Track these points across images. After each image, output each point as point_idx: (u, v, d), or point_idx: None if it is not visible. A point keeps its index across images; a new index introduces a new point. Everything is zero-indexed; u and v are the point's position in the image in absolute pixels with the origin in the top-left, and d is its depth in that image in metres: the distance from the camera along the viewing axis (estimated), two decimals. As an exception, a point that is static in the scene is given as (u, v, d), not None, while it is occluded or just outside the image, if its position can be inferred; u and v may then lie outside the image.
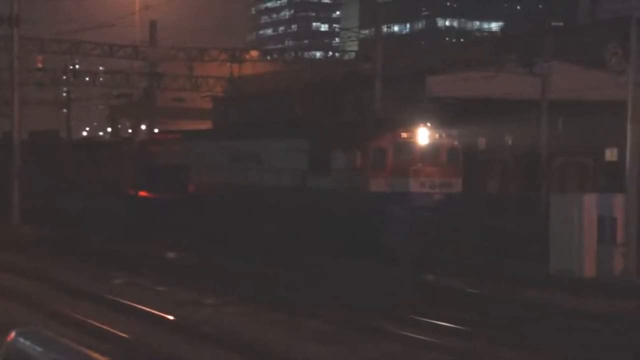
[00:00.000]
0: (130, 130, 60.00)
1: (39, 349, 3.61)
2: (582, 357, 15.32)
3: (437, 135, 26.59)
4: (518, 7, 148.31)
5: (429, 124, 26.91)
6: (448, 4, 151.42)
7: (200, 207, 31.97)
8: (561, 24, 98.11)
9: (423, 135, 26.29)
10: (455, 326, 16.57)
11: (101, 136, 67.52)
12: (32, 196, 37.74)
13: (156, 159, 35.33)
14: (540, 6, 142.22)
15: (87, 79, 56.44)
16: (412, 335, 15.89)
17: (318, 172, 27.31)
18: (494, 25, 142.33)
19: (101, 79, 55.75)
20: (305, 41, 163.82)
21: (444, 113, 33.94)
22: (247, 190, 29.86)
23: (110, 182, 37.41)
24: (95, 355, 3.77)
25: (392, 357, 15.06)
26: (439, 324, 16.93)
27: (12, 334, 3.96)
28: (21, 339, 3.77)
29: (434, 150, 26.48)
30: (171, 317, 17.38)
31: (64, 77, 56.35)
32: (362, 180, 26.00)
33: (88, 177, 38.93)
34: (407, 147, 26.18)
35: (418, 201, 25.56)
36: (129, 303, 19.03)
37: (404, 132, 26.27)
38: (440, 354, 14.81)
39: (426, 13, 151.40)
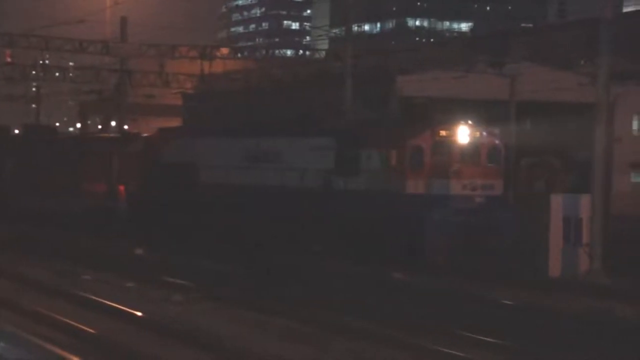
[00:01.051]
0: (99, 127, 60.00)
1: (2, 344, 3.77)
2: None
3: (477, 134, 25.69)
4: (488, 8, 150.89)
5: (469, 122, 26.07)
6: (418, 3, 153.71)
7: (208, 209, 30.82)
8: (531, 25, 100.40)
9: (463, 134, 25.29)
10: (416, 322, 17.08)
11: (97, 131, 66.78)
12: (30, 194, 39.15)
13: (162, 156, 34.19)
14: (510, 7, 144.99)
15: (57, 74, 56.75)
16: (379, 332, 16.30)
17: (345, 173, 26.21)
18: (464, 26, 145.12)
19: (71, 74, 56.01)
20: (276, 39, 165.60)
21: (413, 112, 34.28)
22: (263, 191, 28.82)
23: (112, 179, 36.58)
24: (57, 350, 3.75)
25: (350, 352, 15.42)
26: (403, 322, 17.30)
27: None
28: None
29: (474, 149, 25.46)
30: (139, 314, 17.76)
31: (34, 72, 56.44)
32: (398, 181, 24.98)
33: (86, 175, 37.93)
34: (446, 146, 25.25)
35: (459, 204, 24.76)
36: (97, 299, 19.38)
37: (442, 129, 25.38)
38: (401, 351, 15.16)
39: (396, 12, 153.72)
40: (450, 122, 25.67)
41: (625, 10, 46.58)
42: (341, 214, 25.91)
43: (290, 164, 27.86)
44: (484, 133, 25.91)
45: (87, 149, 39.41)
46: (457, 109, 33.49)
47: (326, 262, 25.73)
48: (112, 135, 42.18)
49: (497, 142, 26.39)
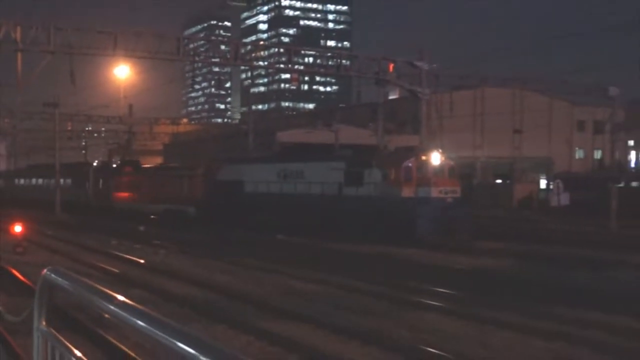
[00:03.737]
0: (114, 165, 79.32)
1: (64, 280, 3.69)
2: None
3: (443, 158, 32.49)
4: (322, 96, 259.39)
5: (440, 150, 33.63)
6: (287, 94, 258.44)
7: (250, 209, 38.30)
8: (344, 105, 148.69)
9: (436, 158, 32.26)
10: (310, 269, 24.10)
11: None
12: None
13: (218, 176, 42.97)
14: (334, 94, 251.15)
15: (95, 135, 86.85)
16: (270, 268, 23.67)
17: (352, 184, 32.85)
18: (311, 105, 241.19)
19: (102, 135, 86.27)
20: (212, 113, 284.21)
21: (283, 150, 48.40)
22: (296, 196, 35.74)
23: (184, 192, 47.05)
24: (102, 287, 3.31)
25: (254, 277, 21.92)
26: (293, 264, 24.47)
27: (45, 270, 4.15)
28: (51, 274, 3.91)
29: (442, 168, 32.22)
30: (142, 261, 26.06)
31: (83, 134, 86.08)
32: (395, 189, 31.20)
33: (166, 190, 48.93)
34: (425, 165, 31.82)
35: (437, 203, 30.69)
36: (119, 254, 28.31)
37: (423, 155, 32.56)
38: (284, 277, 21.81)
39: (275, 99, 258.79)
40: (426, 151, 33.68)
41: (390, 97, 65.93)
42: (349, 211, 32.39)
43: (314, 179, 35.02)
44: (446, 158, 32.89)
45: (165, 173, 53.39)
46: (309, 148, 47.63)
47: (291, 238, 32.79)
48: (181, 165, 56.32)
49: (452, 163, 33.36)
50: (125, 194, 53.97)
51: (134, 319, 2.73)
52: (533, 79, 60.57)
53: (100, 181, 58.21)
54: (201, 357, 2.21)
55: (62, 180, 60.23)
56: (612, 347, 13.06)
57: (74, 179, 61.75)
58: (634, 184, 50.92)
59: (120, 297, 2.97)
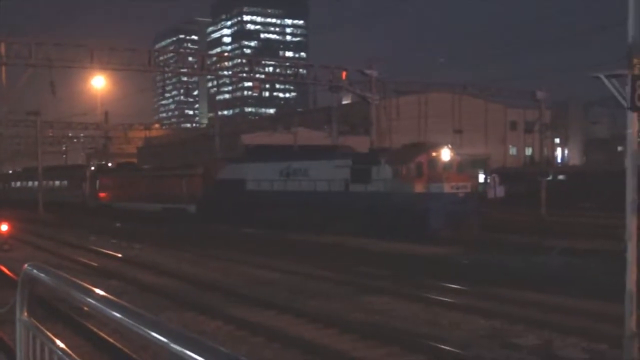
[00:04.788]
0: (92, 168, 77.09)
1: (43, 275, 3.44)
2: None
3: (452, 153, 29.98)
4: (282, 102, 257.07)
5: (450, 146, 30.82)
6: (250, 100, 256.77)
7: (251, 207, 35.82)
8: (301, 109, 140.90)
9: (446, 154, 29.68)
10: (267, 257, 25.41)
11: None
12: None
13: (218, 175, 40.14)
14: (292, 100, 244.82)
15: (74, 140, 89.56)
16: (239, 259, 23.90)
17: (360, 181, 30.46)
18: (272, 110, 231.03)
19: (81, 140, 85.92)
20: (182, 119, 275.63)
21: (248, 151, 47.77)
22: (300, 194, 33.36)
23: (183, 192, 44.24)
24: (78, 280, 3.06)
25: (223, 268, 22.35)
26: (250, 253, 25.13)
27: (25, 265, 3.89)
28: (32, 269, 3.67)
29: (451, 163, 29.65)
30: (119, 255, 25.98)
31: (63, 140, 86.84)
32: (407, 185, 28.68)
33: (165, 189, 46.20)
34: (435, 161, 29.29)
35: (450, 198, 28.21)
36: (98, 249, 28.25)
37: (433, 151, 29.71)
38: (251, 267, 22.08)
39: (239, 105, 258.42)
40: (436, 147, 30.37)
41: (343, 102, 66.34)
42: (357, 208, 29.95)
43: (319, 177, 32.71)
44: (455, 153, 30.31)
45: (164, 173, 49.65)
46: (272, 149, 47.33)
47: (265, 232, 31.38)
48: (180, 165, 52.13)
49: (460, 158, 30.86)
50: (122, 195, 51.27)
51: (109, 310, 2.64)
52: (471, 84, 61.01)
53: (97, 182, 55.65)
54: (171, 345, 2.15)
55: (58, 182, 59.02)
56: (544, 322, 13.20)
57: (70, 181, 59.26)
58: (560, 177, 51.71)
59: (97, 290, 2.88)
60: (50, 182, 61.15)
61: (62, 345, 3.28)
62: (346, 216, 30.43)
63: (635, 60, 8.95)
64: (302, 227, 30.90)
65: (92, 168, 64.23)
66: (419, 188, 28.38)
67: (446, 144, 31.32)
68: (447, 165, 29.32)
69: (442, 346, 11.18)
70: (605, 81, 9.08)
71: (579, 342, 11.84)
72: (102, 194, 53.91)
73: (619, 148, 73.20)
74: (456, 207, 27.84)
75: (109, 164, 64.67)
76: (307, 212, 32.22)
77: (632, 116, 9.30)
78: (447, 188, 28.20)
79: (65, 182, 59.62)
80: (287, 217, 32.96)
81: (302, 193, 33.33)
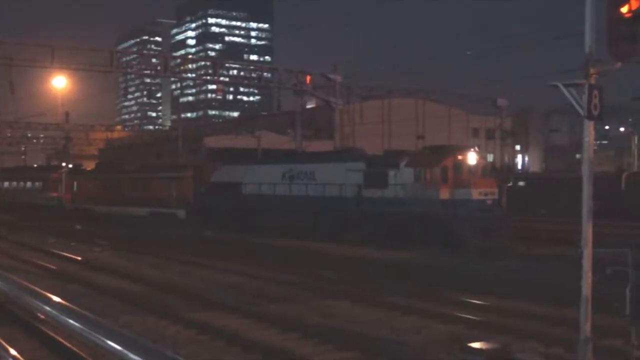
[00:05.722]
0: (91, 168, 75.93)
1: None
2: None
3: (478, 156, 27.57)
4: (246, 105, 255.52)
5: (476, 148, 28.42)
6: (213, 103, 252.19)
7: (249, 212, 33.26)
8: (266, 113, 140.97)
9: (472, 157, 27.20)
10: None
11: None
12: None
13: (211, 178, 37.11)
14: (257, 104, 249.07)
15: (34, 141, 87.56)
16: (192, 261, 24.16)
17: (374, 186, 27.91)
18: (235, 113, 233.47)
19: (41, 141, 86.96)
20: (144, 120, 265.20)
21: (211, 154, 47.55)
22: (306, 198, 30.61)
23: (172, 194, 40.42)
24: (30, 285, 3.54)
25: (184, 271, 22.27)
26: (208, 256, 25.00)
27: None
28: None
29: (477, 167, 27.18)
30: (79, 258, 25.73)
31: (22, 140, 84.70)
32: (431, 190, 26.14)
33: (153, 192, 42.21)
34: (461, 165, 26.70)
35: (478, 205, 25.92)
36: (57, 251, 27.76)
37: (460, 154, 27.17)
38: (213, 270, 22.06)
39: (202, 107, 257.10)
40: (462, 149, 28.01)
41: (307, 106, 66.42)
42: (371, 214, 27.57)
43: (328, 180, 29.99)
44: (480, 157, 28.02)
45: (149, 175, 44.87)
46: (235, 152, 46.90)
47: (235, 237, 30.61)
48: (168, 166, 48.09)
49: (486, 161, 29.26)
50: (103, 197, 47.46)
51: (64, 317, 2.61)
52: (434, 91, 61.53)
53: (75, 184, 51.80)
54: (130, 355, 2.14)
55: (30, 184, 56.33)
56: (503, 327, 13.34)
57: (45, 182, 55.13)
58: (520, 183, 52.30)
59: (51, 296, 2.85)
60: (22, 184, 58.60)
61: (14, 352, 3.22)
62: (359, 224, 28.25)
63: (592, 70, 9.11)
64: (310, 236, 28.61)
65: (70, 167, 60.34)
66: (444, 194, 26.03)
67: (472, 147, 28.86)
68: (472, 170, 27.02)
69: (402, 350, 11.20)
70: (564, 90, 9.22)
71: (537, 346, 11.99)
72: (80, 197, 50.74)
73: (577, 156, 74.29)
74: (485, 214, 25.78)
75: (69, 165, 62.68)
76: (314, 218, 29.88)
77: (589, 125, 9.46)
78: (475, 194, 25.99)
79: (38, 184, 56.24)
80: (291, 224, 30.56)
81: (308, 198, 30.68)
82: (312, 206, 30.09)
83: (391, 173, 27.39)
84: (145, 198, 42.43)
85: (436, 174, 26.37)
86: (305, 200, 30.63)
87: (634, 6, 8.81)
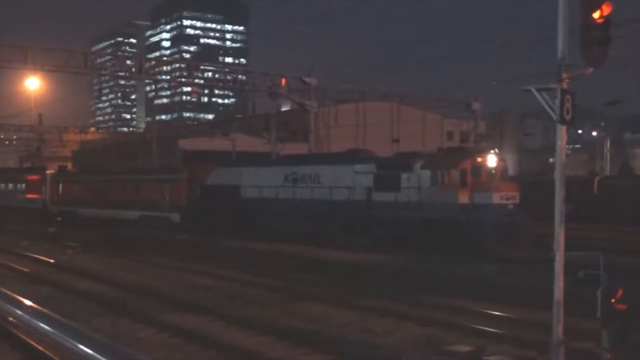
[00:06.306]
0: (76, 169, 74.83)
1: None
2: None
3: (497, 158, 26.34)
4: (221, 108, 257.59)
5: (496, 150, 27.11)
6: (188, 105, 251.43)
7: (248, 215, 31.92)
8: (240, 115, 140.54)
9: (492, 159, 25.97)
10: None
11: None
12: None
13: (207, 180, 35.60)
14: (232, 106, 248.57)
15: (6, 142, 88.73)
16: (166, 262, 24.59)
17: (386, 189, 26.59)
18: (210, 116, 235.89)
19: (14, 142, 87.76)
20: (119, 122, 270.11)
21: (186, 156, 46.65)
22: (311, 202, 29.32)
23: (165, 197, 38.72)
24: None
25: (158, 274, 22.33)
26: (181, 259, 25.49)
27: None
28: None
29: (495, 170, 25.87)
30: (51, 260, 25.82)
31: None
32: (450, 194, 24.79)
33: (144, 194, 40.41)
34: (480, 168, 25.46)
35: (499, 210, 24.61)
36: (29, 254, 27.58)
37: (479, 156, 26.04)
38: (186, 273, 22.21)
39: (177, 109, 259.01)
40: (482, 151, 26.89)
41: (282, 109, 66.22)
42: (382, 219, 26.31)
43: (334, 183, 28.69)
44: (500, 159, 26.81)
45: (140, 177, 42.78)
46: (209, 155, 46.39)
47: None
48: (162, 167, 46.70)
49: (505, 164, 27.31)
50: (90, 200, 45.15)
51: (35, 320, 2.58)
52: (409, 94, 61.79)
53: (60, 186, 49.58)
54: (101, 359, 2.12)
55: (12, 186, 54.77)
56: (478, 330, 13.42)
57: (27, 185, 52.95)
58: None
59: (23, 299, 2.82)
60: (3, 186, 56.93)
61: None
62: (369, 229, 27.04)
63: (564, 75, 9.21)
64: (316, 241, 27.61)
65: (56, 168, 57.36)
66: (463, 198, 24.68)
67: (491, 149, 27.44)
68: (491, 173, 25.72)
69: (377, 353, 11.24)
70: (536, 94, 9.30)
71: (511, 349, 12.08)
72: (66, 199, 48.52)
73: (551, 159, 74.94)
74: (507, 219, 24.42)
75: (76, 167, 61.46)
76: (320, 223, 28.68)
77: (561, 129, 9.55)
78: (496, 198, 24.51)
79: (21, 186, 54.27)
80: (294, 229, 29.49)
81: (314, 202, 29.35)
82: (317, 210, 28.88)
83: (404, 176, 26.05)
84: (136, 201, 40.75)
85: (455, 177, 25.00)
86: (310, 204, 29.35)
87: (606, 12, 8.92)
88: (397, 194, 25.97)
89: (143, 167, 49.18)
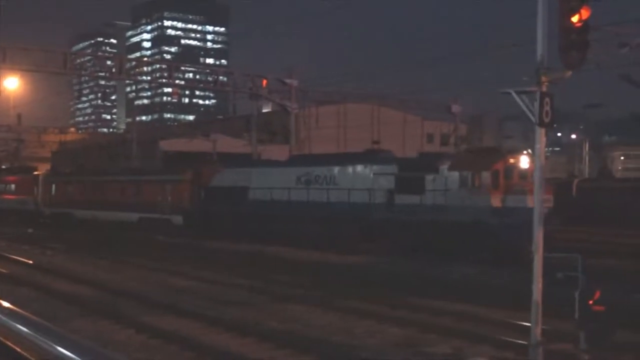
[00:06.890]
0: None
1: None
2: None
3: (529, 159, 24.10)
4: (202, 109, 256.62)
5: (529, 151, 24.41)
6: (168, 106, 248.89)
7: (255, 218, 30.92)
8: (222, 117, 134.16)
9: (525, 161, 24.44)
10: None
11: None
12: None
13: (211, 182, 34.63)
14: (213, 107, 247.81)
15: None
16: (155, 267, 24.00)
17: (409, 191, 25.48)
18: (191, 117, 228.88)
19: None
20: (99, 123, 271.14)
21: (168, 158, 46.82)
22: (327, 205, 28.34)
23: (166, 198, 37.55)
24: None
25: (141, 277, 21.86)
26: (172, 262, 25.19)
27: None
28: None
29: (526, 171, 24.02)
30: (30, 261, 25.35)
31: None
32: (483, 197, 23.68)
33: (146, 195, 39.05)
34: (512, 170, 24.40)
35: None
36: (7, 255, 27.20)
37: (511, 157, 24.79)
38: (167, 274, 22.09)
39: (158, 110, 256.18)
40: (515, 152, 25.41)
41: (263, 110, 65.95)
42: (405, 223, 25.13)
43: (352, 185, 27.63)
44: (532, 160, 26.31)
45: (141, 178, 41.19)
46: (190, 156, 46.53)
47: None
48: (162, 169, 45.21)
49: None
50: (86, 201, 43.48)
51: (12, 321, 2.56)
52: (389, 96, 62.08)
53: (53, 187, 47.98)
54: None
55: (3, 186, 53.45)
56: (456, 331, 13.45)
57: (18, 185, 51.83)
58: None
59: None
60: None
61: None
62: (390, 232, 25.92)
63: (543, 78, 9.29)
64: (331, 246, 26.65)
65: (47, 168, 56.95)
66: (495, 201, 23.50)
67: (524, 149, 25.78)
68: (524, 175, 24.17)
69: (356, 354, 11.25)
70: (516, 97, 9.38)
71: (489, 350, 12.13)
72: (59, 201, 46.87)
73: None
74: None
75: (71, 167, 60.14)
76: (337, 226, 27.55)
77: (540, 131, 9.63)
78: (530, 202, 22.52)
79: (11, 187, 52.81)
80: (308, 232, 28.40)
81: (329, 204, 28.26)
82: (334, 213, 27.76)
83: (429, 177, 24.91)
84: (136, 202, 39.23)
85: (486, 179, 23.89)
86: (325, 207, 28.25)
87: (584, 16, 9.01)
88: (422, 197, 24.95)
89: (144, 168, 47.96)
